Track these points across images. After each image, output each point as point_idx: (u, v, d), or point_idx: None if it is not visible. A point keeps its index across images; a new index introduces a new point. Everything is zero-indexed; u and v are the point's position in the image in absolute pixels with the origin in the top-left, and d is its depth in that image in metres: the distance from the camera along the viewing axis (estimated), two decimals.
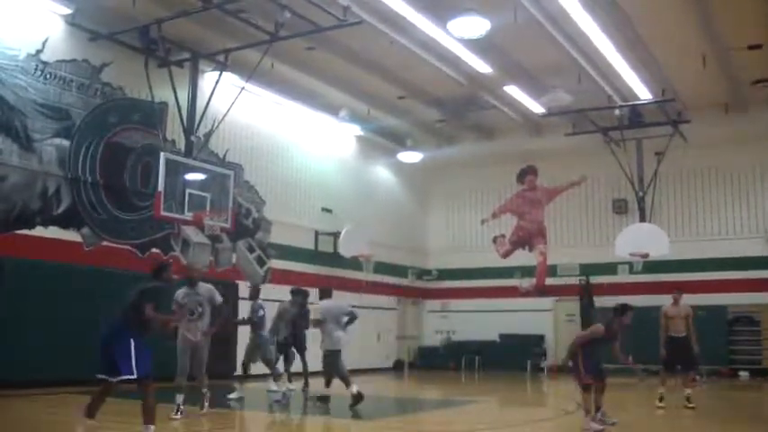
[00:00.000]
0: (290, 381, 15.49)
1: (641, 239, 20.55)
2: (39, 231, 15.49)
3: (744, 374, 21.86)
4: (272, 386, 15.16)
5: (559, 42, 17.39)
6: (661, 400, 13.46)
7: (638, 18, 16.83)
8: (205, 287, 11.28)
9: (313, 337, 14.59)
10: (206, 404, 11.30)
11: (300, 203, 22.88)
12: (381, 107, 23.25)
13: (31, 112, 15.47)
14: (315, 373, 16.22)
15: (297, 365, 15.77)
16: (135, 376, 7.92)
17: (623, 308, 11.23)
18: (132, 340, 8.00)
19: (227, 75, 17.91)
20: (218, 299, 11.25)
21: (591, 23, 16.36)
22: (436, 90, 22.00)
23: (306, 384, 15.58)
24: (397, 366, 26.68)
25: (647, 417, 13.11)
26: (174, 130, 18.13)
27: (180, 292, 11.13)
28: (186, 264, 11.87)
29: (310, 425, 11.72)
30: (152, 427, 8.01)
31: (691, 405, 13.29)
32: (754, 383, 20.66)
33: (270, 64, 17.79)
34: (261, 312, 14.83)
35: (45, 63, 15.82)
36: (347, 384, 13.01)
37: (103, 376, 8.01)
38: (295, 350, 15.71)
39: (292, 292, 15.95)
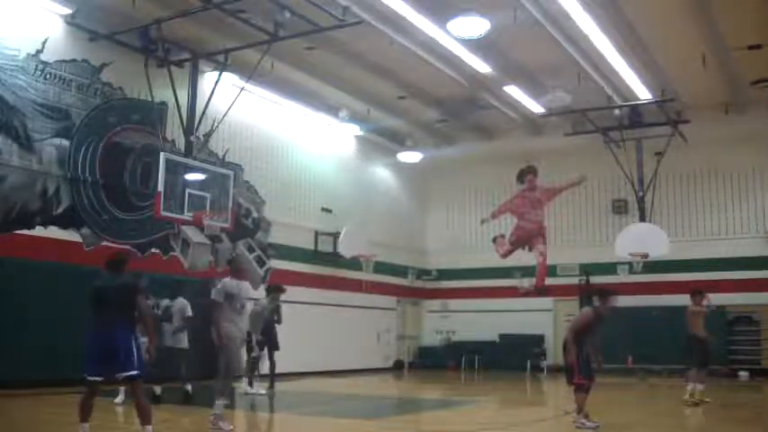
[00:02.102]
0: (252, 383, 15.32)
1: (641, 239, 20.56)
2: (38, 231, 15.49)
3: (743, 374, 21.84)
4: (252, 389, 15.11)
5: (559, 42, 17.37)
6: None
7: (637, 18, 16.83)
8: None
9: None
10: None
11: (300, 203, 22.86)
12: (381, 107, 23.24)
13: (30, 112, 15.46)
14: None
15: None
16: (137, 372, 7.84)
17: (609, 291, 10.98)
18: (134, 337, 7.93)
19: (226, 75, 17.94)
20: None
21: (591, 23, 16.36)
22: (436, 90, 21.99)
23: (271, 386, 15.34)
24: (397, 366, 26.67)
25: (650, 416, 13.11)
26: (173, 131, 18.14)
27: (230, 283, 10.16)
28: (235, 255, 11.33)
29: (309, 425, 11.70)
30: (150, 427, 7.88)
31: (706, 399, 13.82)
32: (754, 383, 20.65)
33: (270, 64, 17.79)
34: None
35: (45, 63, 15.82)
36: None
37: (96, 377, 7.86)
38: (267, 349, 15.53)
39: (269, 289, 15.94)
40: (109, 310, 7.95)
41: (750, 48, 18.08)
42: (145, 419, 7.90)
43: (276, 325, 15.60)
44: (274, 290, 15.72)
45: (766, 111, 21.86)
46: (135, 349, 7.88)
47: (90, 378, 7.87)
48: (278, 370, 15.73)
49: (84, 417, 7.87)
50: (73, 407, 7.95)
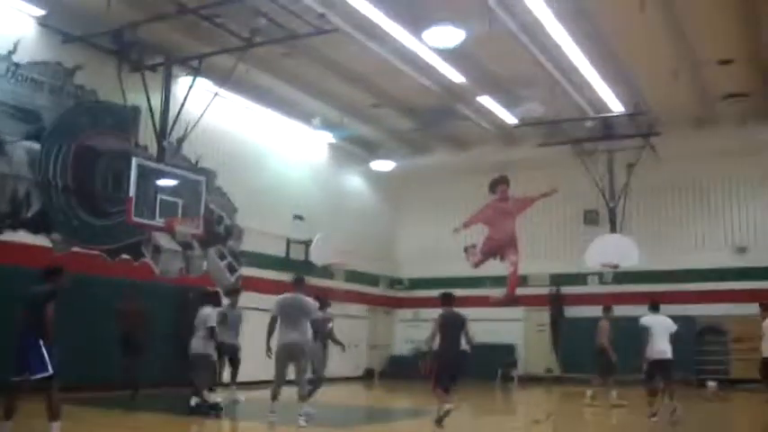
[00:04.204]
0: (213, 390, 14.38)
1: (612, 250, 20.71)
2: (8, 236, 15.31)
3: (712, 385, 22.01)
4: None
5: (533, 54, 17.46)
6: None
7: (611, 31, 16.96)
8: None
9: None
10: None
11: (272, 211, 22.75)
12: (355, 115, 23.24)
13: (1, 113, 15.30)
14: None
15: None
16: (51, 373, 8.42)
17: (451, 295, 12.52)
18: (41, 341, 8.44)
19: (200, 80, 17.87)
20: None
21: (565, 36, 16.46)
22: (410, 99, 22.02)
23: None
24: (368, 375, 26.62)
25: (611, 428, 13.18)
26: (146, 135, 18.01)
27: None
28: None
29: None
30: (57, 423, 8.45)
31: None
32: (722, 394, 20.81)
33: (244, 70, 17.75)
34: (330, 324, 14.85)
35: (17, 64, 15.67)
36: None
37: (18, 377, 8.51)
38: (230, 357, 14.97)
39: (228, 293, 15.64)
40: (26, 315, 8.64)
41: (721, 63, 18.32)
42: (54, 416, 8.50)
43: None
44: (233, 292, 15.57)
45: (736, 125, 22.14)
46: (43, 351, 8.43)
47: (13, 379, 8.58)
48: (247, 378, 15.63)
49: (8, 415, 8.60)
50: (40, 413, 8.07)
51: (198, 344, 13.02)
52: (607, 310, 17.02)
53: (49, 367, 8.39)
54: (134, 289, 15.34)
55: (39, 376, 8.43)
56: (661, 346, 13.45)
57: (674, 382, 13.67)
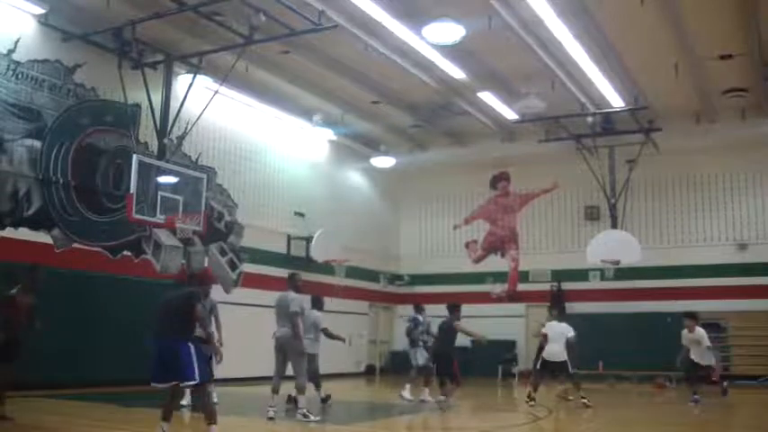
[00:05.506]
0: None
1: (613, 246, 20.70)
2: (9, 233, 15.34)
3: None
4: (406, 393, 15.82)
5: (533, 49, 17.48)
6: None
7: (611, 27, 16.96)
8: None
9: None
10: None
11: (273, 207, 22.79)
12: (355, 112, 23.25)
13: (1, 112, 15.31)
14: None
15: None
16: (197, 381, 8.35)
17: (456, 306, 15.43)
18: (191, 346, 8.36)
19: (200, 77, 17.90)
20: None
21: (565, 31, 16.47)
22: (410, 95, 22.03)
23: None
24: (369, 371, 26.64)
25: (610, 422, 13.16)
26: (146, 133, 18.06)
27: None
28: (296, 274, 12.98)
29: (281, 431, 11.66)
30: (215, 426, 8.47)
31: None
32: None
33: (244, 67, 17.76)
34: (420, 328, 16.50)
35: (17, 63, 15.68)
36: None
37: (156, 383, 8.42)
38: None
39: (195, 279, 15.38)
40: (166, 320, 8.44)
41: (721, 58, 18.32)
42: (210, 419, 8.49)
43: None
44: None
45: (737, 120, 22.13)
46: (193, 357, 8.26)
47: (153, 384, 8.44)
48: (250, 374, 15.66)
49: (165, 416, 8.50)
50: (37, 411, 8.02)
51: (308, 346, 13.32)
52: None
53: (197, 375, 8.24)
54: (32, 274, 11.23)
55: (187, 384, 8.51)
56: (554, 350, 15.35)
57: (572, 377, 15.64)
